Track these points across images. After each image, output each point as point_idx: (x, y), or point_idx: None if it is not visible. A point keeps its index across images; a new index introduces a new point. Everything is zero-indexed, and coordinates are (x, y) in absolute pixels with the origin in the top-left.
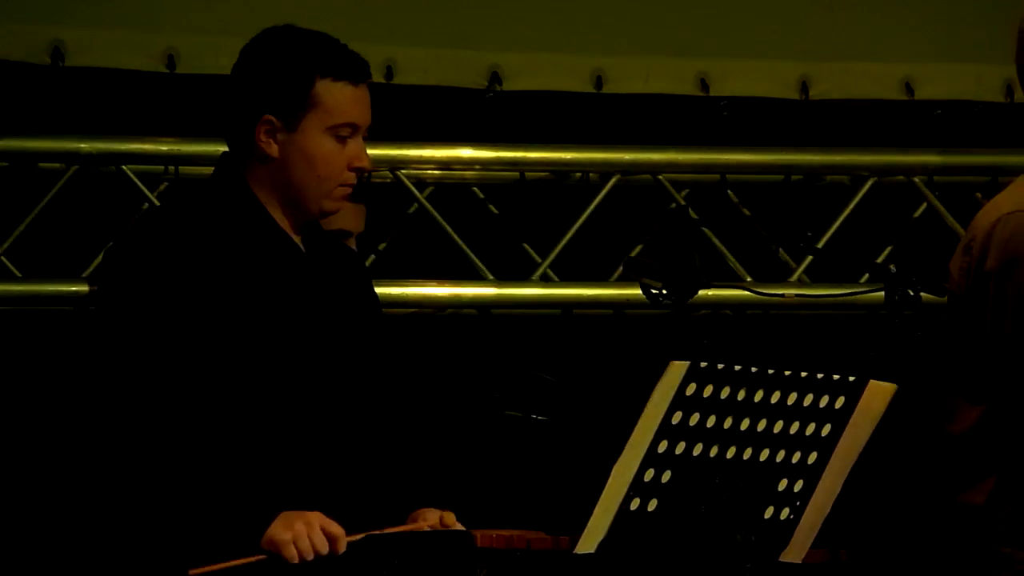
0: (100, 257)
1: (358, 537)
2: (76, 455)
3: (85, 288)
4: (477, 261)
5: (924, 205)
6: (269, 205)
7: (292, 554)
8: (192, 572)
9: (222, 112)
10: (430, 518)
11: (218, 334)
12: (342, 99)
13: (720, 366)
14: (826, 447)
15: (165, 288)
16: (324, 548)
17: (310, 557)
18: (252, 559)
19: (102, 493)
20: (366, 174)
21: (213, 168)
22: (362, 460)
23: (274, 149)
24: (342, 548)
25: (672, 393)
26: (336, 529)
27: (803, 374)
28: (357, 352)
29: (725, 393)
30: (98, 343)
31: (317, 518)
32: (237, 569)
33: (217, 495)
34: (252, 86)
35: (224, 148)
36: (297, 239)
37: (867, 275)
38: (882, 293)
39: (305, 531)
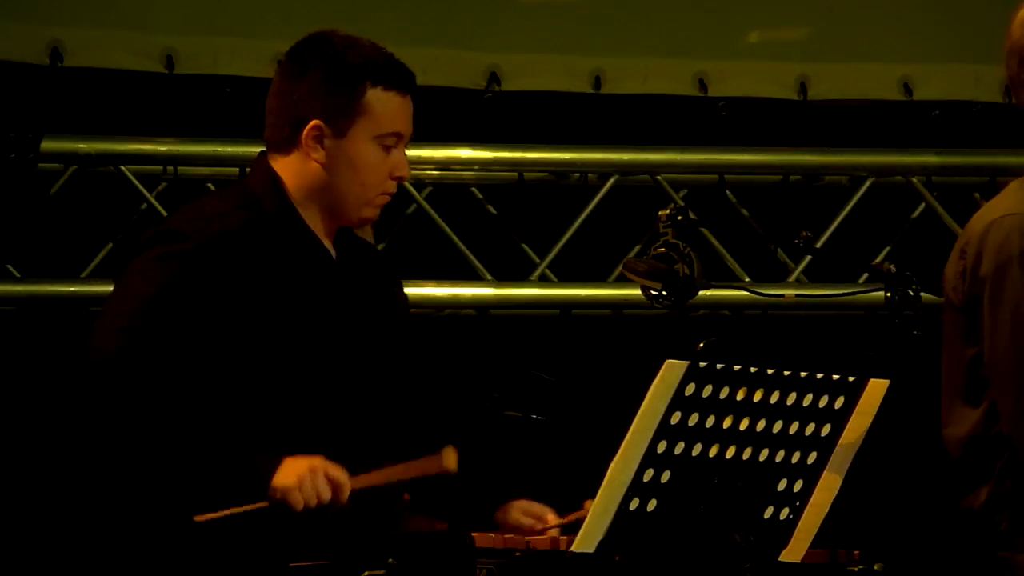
0: (100, 257)
1: (363, 484)
2: (82, 435)
3: (85, 288)
4: (476, 261)
5: (922, 205)
6: (304, 208)
7: (296, 500)
8: (197, 518)
9: (267, 114)
10: None
11: (245, 333)
12: (391, 108)
13: (719, 366)
14: (825, 447)
15: (198, 283)
16: (327, 495)
17: (314, 504)
18: (255, 506)
19: (110, 469)
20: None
21: (211, 170)
22: (382, 458)
23: (320, 155)
24: (345, 495)
25: (671, 393)
26: (340, 475)
27: (802, 374)
28: (379, 355)
29: (724, 393)
30: None
31: (321, 463)
32: (241, 516)
33: (221, 450)
34: (302, 91)
35: (222, 149)
36: (328, 243)
37: (866, 275)
38: (881, 293)
39: (309, 477)
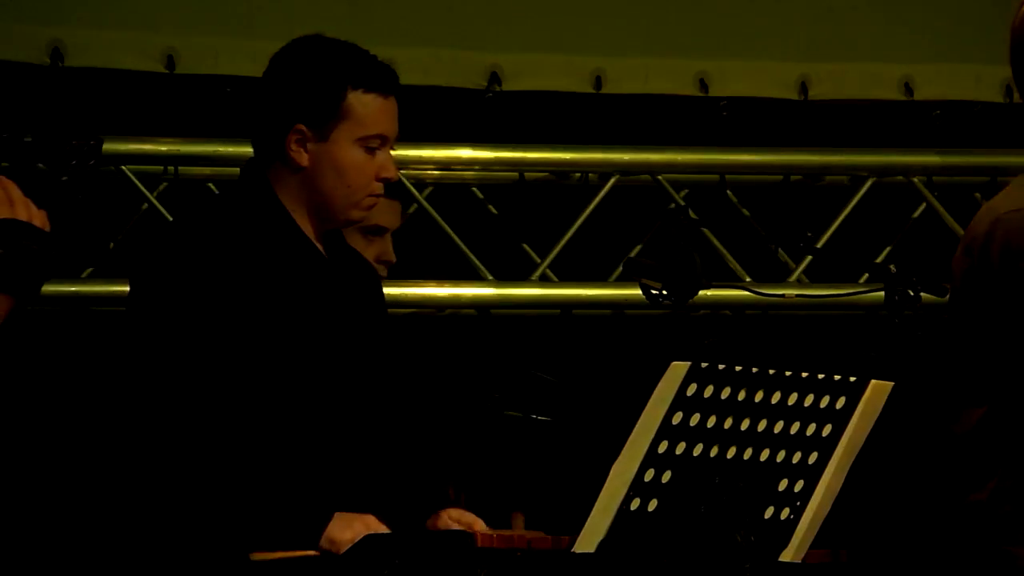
0: (101, 257)
1: None
2: (102, 451)
3: (85, 288)
4: (476, 261)
5: (923, 205)
6: (295, 212)
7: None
8: (254, 556)
9: (252, 119)
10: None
11: (248, 337)
12: (373, 110)
13: (721, 367)
14: (826, 447)
15: (201, 293)
16: None
17: None
18: (310, 553)
19: (150, 489)
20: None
21: (212, 170)
22: (376, 460)
23: (304, 158)
24: None
25: (673, 393)
26: None
27: (804, 374)
28: (372, 358)
29: (726, 393)
30: (136, 344)
31: (375, 523)
32: (296, 560)
33: (271, 488)
34: (284, 95)
35: (223, 149)
36: (320, 246)
37: (866, 275)
38: (882, 293)
39: (364, 535)
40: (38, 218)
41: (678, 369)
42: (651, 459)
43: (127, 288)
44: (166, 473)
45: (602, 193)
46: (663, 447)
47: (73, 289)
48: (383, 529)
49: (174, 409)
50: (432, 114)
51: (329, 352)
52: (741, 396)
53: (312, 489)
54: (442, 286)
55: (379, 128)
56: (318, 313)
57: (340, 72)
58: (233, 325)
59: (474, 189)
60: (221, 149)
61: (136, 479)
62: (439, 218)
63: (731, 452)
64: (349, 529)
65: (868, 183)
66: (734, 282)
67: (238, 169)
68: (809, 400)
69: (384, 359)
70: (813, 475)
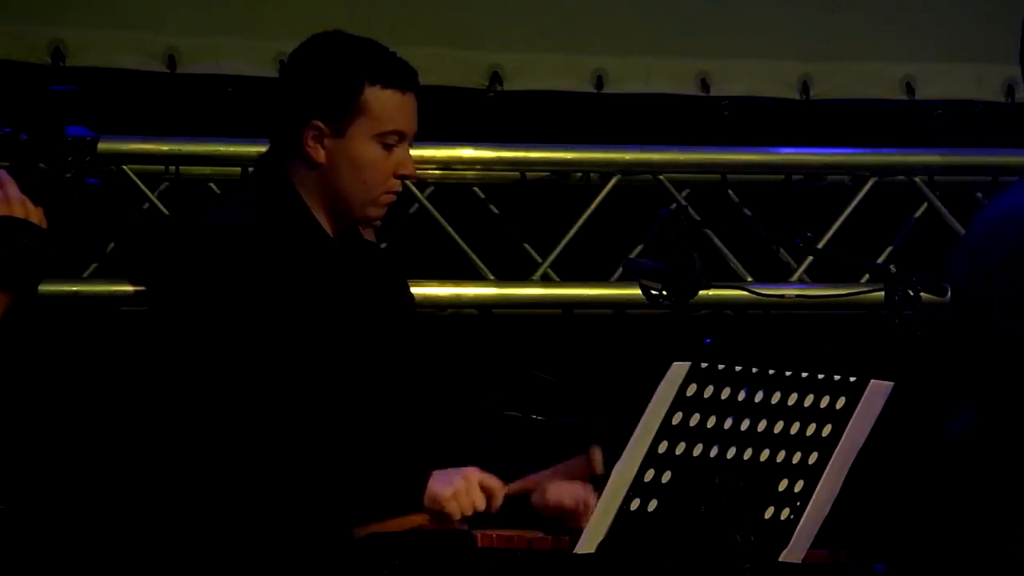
0: (101, 257)
1: (515, 490)
2: (118, 447)
3: (85, 288)
4: (478, 261)
5: (925, 205)
6: (314, 207)
7: (454, 509)
8: (357, 531)
9: (270, 115)
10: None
11: (280, 329)
12: (390, 106)
13: (721, 367)
14: (826, 447)
15: (234, 286)
16: (482, 504)
17: (469, 513)
18: (413, 517)
19: (231, 477)
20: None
21: (213, 169)
22: (404, 445)
23: (321, 155)
24: (498, 504)
25: (673, 394)
26: (493, 483)
27: (804, 375)
28: (395, 349)
29: (726, 394)
30: (176, 334)
31: (474, 473)
32: (397, 531)
33: (362, 459)
34: (301, 91)
35: (224, 149)
36: (337, 241)
37: (867, 275)
38: (882, 293)
39: (464, 487)
40: (35, 215)
41: (679, 369)
42: (651, 459)
43: (127, 288)
44: (242, 462)
45: (603, 193)
46: (663, 447)
47: (74, 289)
48: (486, 477)
49: (232, 397)
50: (433, 114)
51: (349, 345)
52: (741, 396)
53: (403, 453)
54: (443, 286)
55: (396, 124)
56: (332, 308)
57: (357, 67)
58: (262, 320)
59: (475, 189)
60: (222, 149)
61: (188, 472)
62: (440, 218)
63: (731, 452)
64: (449, 485)
65: (869, 183)
66: (735, 282)
67: (239, 169)
68: (809, 400)
69: (407, 350)
70: (813, 475)
